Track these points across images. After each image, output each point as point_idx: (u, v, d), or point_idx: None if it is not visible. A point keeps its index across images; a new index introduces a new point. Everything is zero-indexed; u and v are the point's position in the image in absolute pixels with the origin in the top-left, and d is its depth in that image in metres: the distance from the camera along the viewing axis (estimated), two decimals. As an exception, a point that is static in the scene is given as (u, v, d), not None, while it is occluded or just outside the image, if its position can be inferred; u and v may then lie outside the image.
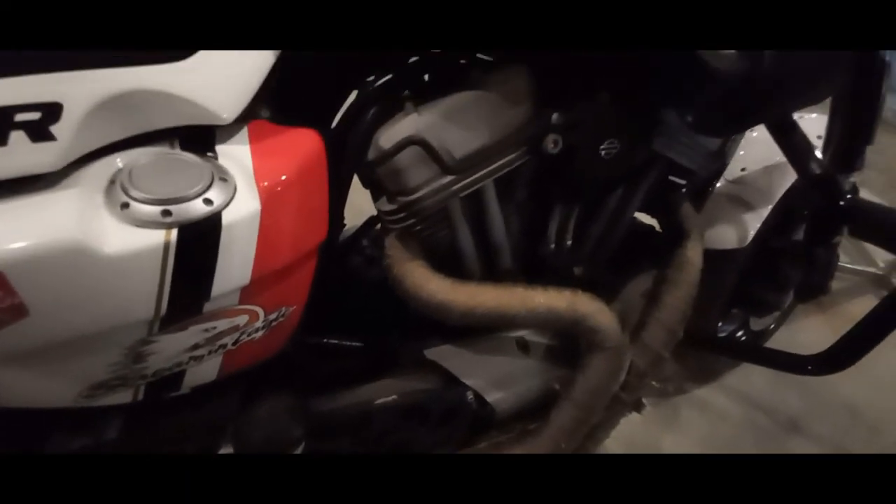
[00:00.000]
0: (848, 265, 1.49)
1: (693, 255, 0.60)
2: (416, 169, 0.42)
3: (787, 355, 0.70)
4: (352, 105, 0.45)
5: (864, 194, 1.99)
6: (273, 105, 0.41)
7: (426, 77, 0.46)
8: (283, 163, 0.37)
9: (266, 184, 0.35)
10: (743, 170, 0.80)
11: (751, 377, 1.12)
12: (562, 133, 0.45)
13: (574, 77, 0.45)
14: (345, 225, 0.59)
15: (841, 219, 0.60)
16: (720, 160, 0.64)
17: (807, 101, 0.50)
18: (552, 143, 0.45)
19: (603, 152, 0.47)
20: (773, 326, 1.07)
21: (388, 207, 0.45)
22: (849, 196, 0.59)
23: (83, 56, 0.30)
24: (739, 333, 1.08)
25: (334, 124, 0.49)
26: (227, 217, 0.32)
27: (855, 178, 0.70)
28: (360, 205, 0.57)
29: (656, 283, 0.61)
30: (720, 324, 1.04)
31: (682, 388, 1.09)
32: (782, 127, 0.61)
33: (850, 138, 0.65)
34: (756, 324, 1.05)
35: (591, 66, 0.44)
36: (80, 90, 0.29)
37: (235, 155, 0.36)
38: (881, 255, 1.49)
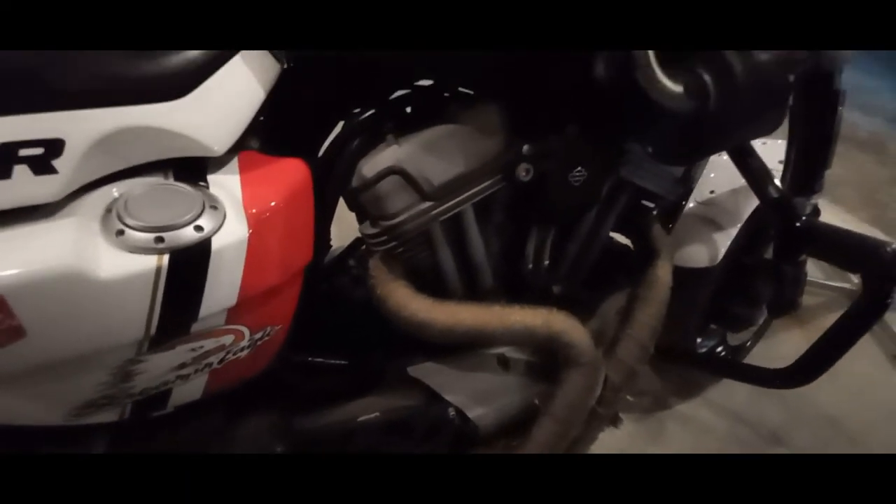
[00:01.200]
0: (822, 281, 1.54)
1: (663, 273, 0.63)
2: (397, 196, 0.45)
3: (756, 369, 0.73)
4: (338, 136, 0.48)
5: (840, 211, 2.06)
6: (263, 135, 0.44)
7: (407, 111, 0.49)
8: (271, 191, 0.39)
9: (254, 211, 0.37)
10: (712, 192, 0.84)
11: (733, 391, 1.15)
12: (533, 162, 0.48)
13: (544, 111, 0.48)
14: (331, 246, 0.62)
15: (797, 240, 0.64)
16: (686, 185, 0.68)
17: (755, 135, 0.54)
18: (524, 172, 0.48)
19: (572, 180, 0.50)
20: (749, 343, 1.11)
21: (371, 231, 0.48)
22: (804, 218, 0.63)
23: (86, 95, 0.33)
24: (719, 348, 1.11)
25: (322, 152, 0.52)
26: (216, 242, 0.34)
27: (816, 199, 0.75)
28: (351, 221, 0.60)
29: (629, 301, 0.64)
30: (700, 339, 1.07)
31: (666, 402, 1.11)
32: (741, 154, 0.65)
33: (808, 163, 0.70)
34: (733, 339, 1.08)
35: (560, 102, 0.47)
36: (82, 127, 0.32)
37: (226, 184, 0.38)
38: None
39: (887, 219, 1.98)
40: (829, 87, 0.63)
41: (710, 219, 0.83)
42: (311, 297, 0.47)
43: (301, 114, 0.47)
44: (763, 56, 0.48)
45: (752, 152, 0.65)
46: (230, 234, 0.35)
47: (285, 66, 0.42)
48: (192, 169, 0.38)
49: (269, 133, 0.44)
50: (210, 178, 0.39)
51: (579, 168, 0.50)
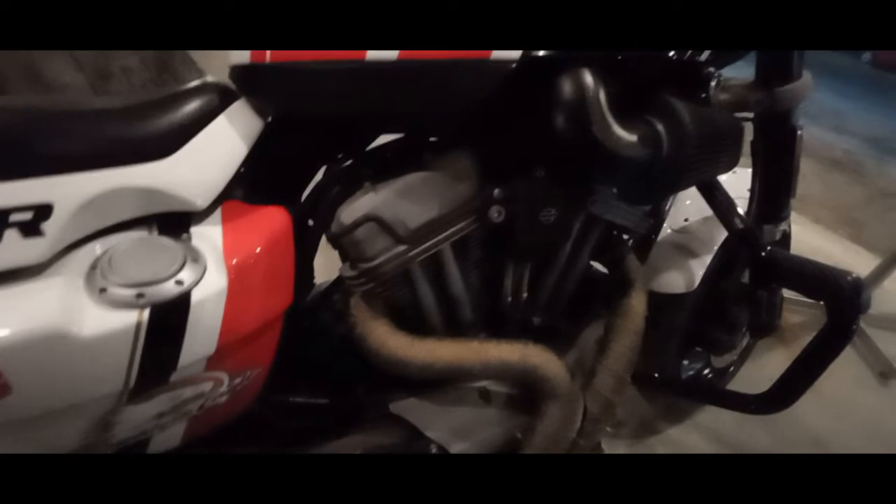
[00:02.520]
0: (805, 298, 1.58)
1: (637, 303, 0.65)
2: (374, 240, 0.47)
3: (735, 395, 0.74)
4: (319, 183, 0.51)
5: (817, 230, 2.12)
6: (246, 184, 0.47)
7: (384, 159, 0.52)
8: (252, 240, 0.41)
9: (234, 261, 0.39)
10: (686, 220, 0.88)
11: (720, 414, 1.15)
12: (504, 204, 0.50)
13: (512, 157, 0.51)
14: (314, 283, 0.64)
15: (763, 270, 0.67)
16: (656, 217, 0.71)
17: (711, 175, 0.57)
18: (496, 213, 0.51)
19: (543, 219, 0.53)
20: (733, 364, 1.12)
21: (351, 273, 0.50)
22: (769, 249, 0.65)
23: (74, 159, 0.35)
24: (705, 370, 1.12)
25: (305, 196, 0.55)
26: (195, 295, 0.36)
27: (784, 226, 0.78)
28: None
29: (605, 331, 0.65)
30: (686, 362, 1.09)
31: (653, 427, 1.11)
32: (707, 188, 0.68)
33: (773, 194, 0.73)
34: (718, 361, 1.10)
35: (527, 148, 0.50)
36: (70, 191, 0.34)
37: (208, 235, 0.40)
38: (835, 289, 1.58)
39: (865, 237, 2.04)
40: (786, 124, 0.67)
41: (685, 246, 0.86)
42: (292, 337, 0.48)
43: (284, 163, 0.50)
44: (713, 105, 0.52)
45: (717, 186, 0.69)
46: (210, 285, 0.37)
47: (269, 119, 0.45)
48: (177, 222, 0.40)
49: (252, 182, 0.46)
50: (193, 229, 0.40)
51: (549, 208, 0.53)
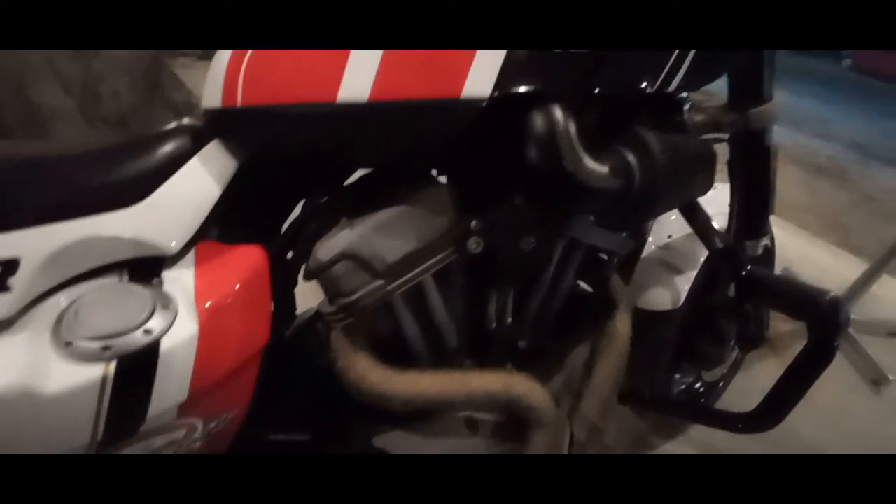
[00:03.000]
0: (794, 308, 1.59)
1: (621, 325, 0.65)
2: (352, 276, 0.47)
3: (724, 414, 0.74)
4: (296, 219, 0.51)
5: (804, 237, 2.13)
6: (221, 224, 0.46)
7: (361, 194, 0.52)
8: (225, 281, 0.41)
9: (206, 305, 0.39)
10: (669, 236, 0.88)
11: (714, 429, 1.15)
12: (482, 235, 0.50)
13: (488, 188, 0.51)
14: (296, 314, 0.63)
15: (743, 288, 0.67)
16: (638, 238, 0.72)
17: (686, 199, 0.58)
18: (475, 244, 0.51)
19: (522, 247, 0.53)
20: (724, 378, 1.12)
21: (329, 309, 0.49)
22: (749, 268, 0.66)
23: (42, 211, 0.35)
24: (696, 385, 1.12)
25: (284, 230, 0.54)
26: (165, 344, 0.35)
27: (765, 241, 0.79)
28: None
29: (591, 354, 0.65)
30: (677, 376, 1.09)
31: (646, 442, 1.10)
32: (687, 208, 0.69)
33: (751, 211, 0.74)
34: (708, 375, 1.10)
35: (502, 180, 0.51)
36: (38, 244, 0.34)
37: (180, 279, 0.40)
38: (824, 296, 1.59)
39: (852, 242, 2.06)
40: (760, 143, 0.68)
41: (670, 262, 0.86)
42: (272, 371, 0.48)
43: (260, 201, 0.50)
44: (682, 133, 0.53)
45: (697, 206, 0.70)
46: (180, 332, 0.36)
47: (243, 159, 0.45)
48: (148, 266, 0.40)
49: (228, 221, 0.46)
50: (165, 273, 0.40)
51: (528, 236, 0.53)
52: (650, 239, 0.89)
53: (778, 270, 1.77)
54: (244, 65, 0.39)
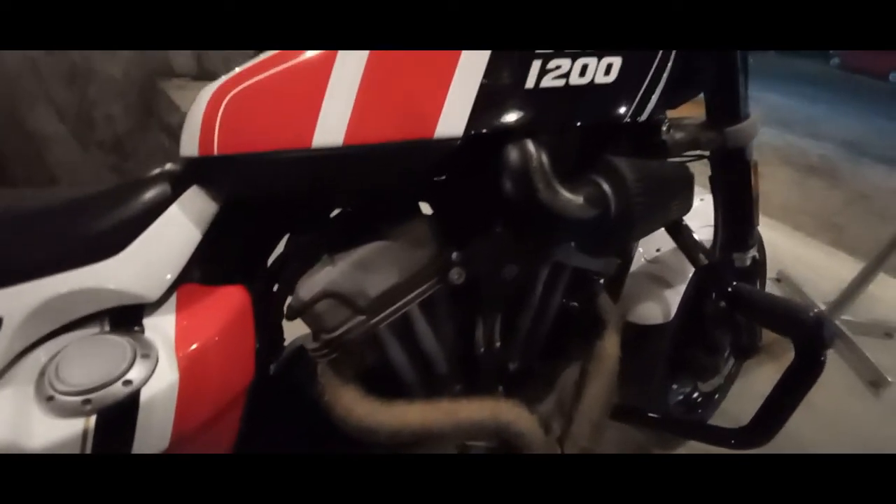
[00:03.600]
0: (790, 311, 1.59)
1: (610, 345, 0.65)
2: (335, 312, 0.47)
3: (714, 429, 0.73)
4: (279, 257, 0.51)
5: (798, 238, 2.14)
6: (204, 266, 0.47)
7: (343, 230, 0.52)
8: (207, 324, 0.41)
9: (187, 350, 0.39)
10: (658, 250, 0.89)
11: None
12: (464, 266, 0.51)
13: (467, 218, 0.52)
14: (284, 348, 0.63)
15: (727, 303, 0.67)
16: (624, 257, 0.72)
17: (665, 222, 0.58)
18: (456, 275, 0.51)
19: (504, 276, 0.54)
20: (721, 387, 1.12)
21: (314, 345, 0.49)
22: (734, 284, 0.66)
23: (23, 269, 0.35)
24: (694, 395, 1.12)
25: (268, 266, 0.55)
26: (145, 394, 0.35)
27: (752, 252, 0.80)
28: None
29: (580, 376, 0.65)
30: (675, 386, 1.08)
31: (646, 450, 1.10)
32: (672, 227, 0.70)
33: (737, 223, 0.75)
34: (705, 386, 1.10)
35: (481, 209, 0.51)
36: (20, 302, 0.34)
37: (161, 325, 0.40)
38: (820, 298, 1.59)
39: (846, 242, 2.07)
40: (740, 160, 0.69)
41: (660, 276, 0.87)
42: (259, 406, 0.48)
43: (242, 241, 0.50)
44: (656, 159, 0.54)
45: (680, 223, 0.70)
46: (160, 381, 0.36)
47: (223, 203, 0.45)
48: (129, 313, 0.40)
49: (210, 263, 0.46)
50: (146, 320, 0.40)
51: (510, 265, 0.54)
52: (640, 250, 0.89)
53: (772, 273, 1.79)
54: (220, 113, 0.40)
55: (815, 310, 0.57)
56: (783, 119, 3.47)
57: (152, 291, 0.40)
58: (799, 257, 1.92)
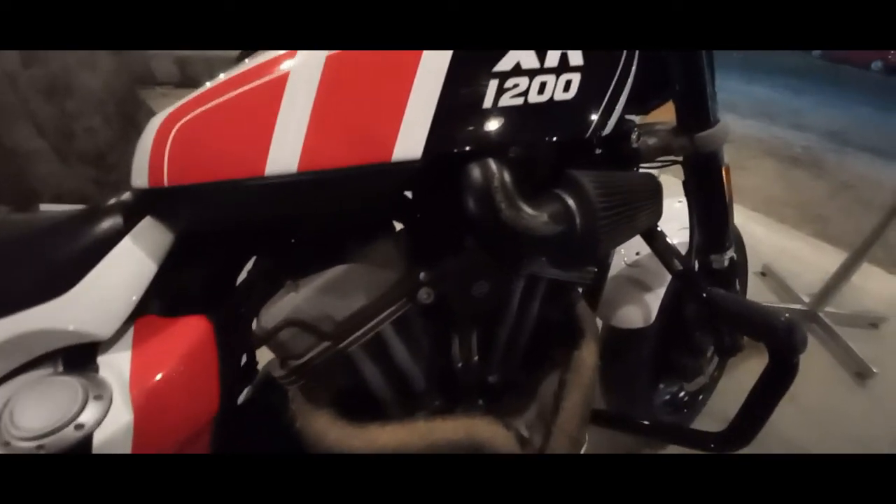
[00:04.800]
0: (776, 304, 1.60)
1: (587, 355, 0.65)
2: (300, 339, 0.47)
3: (694, 433, 0.74)
4: (243, 282, 0.50)
5: (783, 230, 2.15)
6: (163, 296, 0.46)
7: (307, 253, 0.51)
8: (164, 358, 0.40)
9: (143, 388, 0.38)
10: (637, 253, 0.89)
11: (702, 424, 1.15)
12: (432, 285, 0.50)
13: (434, 237, 0.51)
14: (257, 371, 0.62)
15: (703, 309, 0.67)
16: (600, 265, 0.72)
17: (635, 232, 0.58)
18: (425, 295, 0.50)
19: (475, 293, 0.53)
20: (704, 392, 1.13)
21: (280, 373, 0.49)
22: (708, 289, 0.66)
23: None
24: (680, 394, 1.12)
25: (233, 294, 0.54)
26: (98, 437, 0.35)
27: (729, 253, 0.80)
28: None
29: (559, 386, 0.65)
30: (661, 386, 1.09)
31: (634, 450, 1.10)
32: (647, 234, 0.70)
33: (712, 226, 0.75)
34: (691, 385, 1.10)
35: (446, 227, 0.51)
36: None
37: (115, 363, 0.39)
38: (805, 291, 1.60)
39: (830, 232, 2.09)
40: (712, 164, 0.69)
41: (640, 280, 0.87)
42: (230, 438, 0.47)
43: (202, 269, 0.49)
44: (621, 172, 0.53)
45: (655, 230, 0.70)
46: (113, 422, 0.36)
47: (178, 233, 0.44)
48: (83, 352, 0.39)
49: (169, 293, 0.45)
50: (100, 358, 0.39)
51: (480, 281, 0.53)
52: (622, 252, 0.89)
53: (758, 268, 1.80)
54: (168, 143, 0.39)
55: (786, 316, 0.57)
56: (766, 111, 3.49)
57: (105, 329, 0.39)
58: (784, 250, 1.94)
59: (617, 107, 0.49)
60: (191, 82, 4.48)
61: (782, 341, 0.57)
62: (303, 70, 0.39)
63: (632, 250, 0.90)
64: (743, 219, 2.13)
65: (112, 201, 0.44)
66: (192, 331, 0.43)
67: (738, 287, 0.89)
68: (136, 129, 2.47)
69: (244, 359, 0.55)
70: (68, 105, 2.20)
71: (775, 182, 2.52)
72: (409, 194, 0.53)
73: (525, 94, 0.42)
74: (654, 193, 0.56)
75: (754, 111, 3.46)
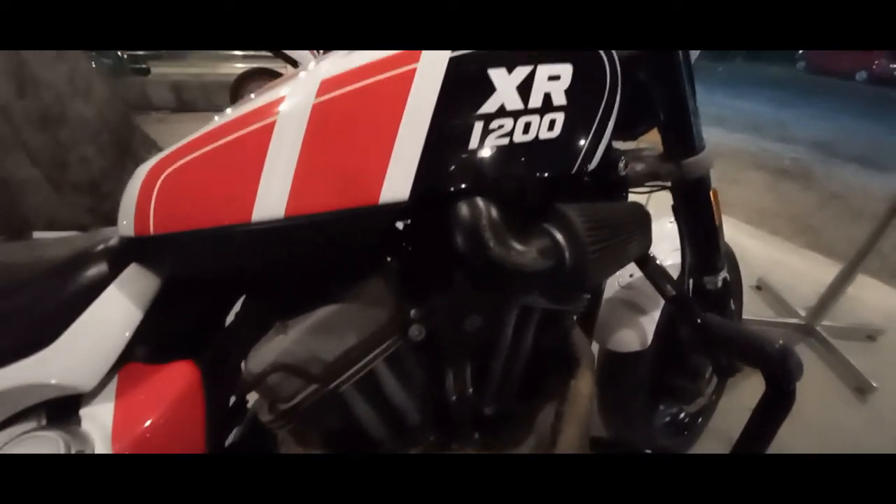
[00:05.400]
0: (773, 319, 1.60)
1: (583, 385, 0.64)
2: (288, 383, 0.46)
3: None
4: (231, 324, 0.50)
5: (776, 242, 2.16)
6: (149, 343, 0.45)
7: (296, 294, 0.51)
8: (148, 408, 0.39)
9: (125, 440, 0.37)
10: (631, 275, 0.89)
11: (701, 444, 1.13)
12: (423, 322, 0.50)
13: (424, 274, 0.51)
14: (247, 410, 0.61)
15: (697, 335, 0.67)
16: (593, 292, 0.72)
17: (624, 263, 0.58)
18: (416, 332, 0.50)
19: (467, 328, 0.52)
20: (703, 416, 1.12)
21: (269, 417, 0.47)
22: (703, 314, 0.66)
23: None
24: (681, 416, 1.11)
25: (222, 336, 0.53)
26: None
27: (722, 274, 0.80)
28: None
29: (556, 418, 0.64)
30: (661, 407, 1.07)
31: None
32: (640, 260, 0.70)
33: (703, 249, 0.75)
34: (691, 406, 1.09)
35: (438, 263, 0.50)
36: None
37: (99, 414, 0.38)
38: (801, 304, 1.60)
39: (823, 243, 2.10)
40: (700, 189, 0.69)
41: (634, 302, 0.86)
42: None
43: (189, 314, 0.48)
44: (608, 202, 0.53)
45: (647, 256, 0.70)
46: (95, 480, 0.34)
47: (164, 279, 0.44)
48: (67, 404, 0.38)
49: (156, 339, 0.45)
50: (83, 410, 0.39)
51: (472, 316, 0.53)
52: (616, 274, 0.89)
53: (753, 281, 1.80)
54: (155, 192, 0.39)
55: (780, 342, 0.57)
56: (754, 124, 3.55)
57: (89, 380, 0.38)
58: (778, 262, 1.95)
59: (602, 141, 0.50)
60: (187, 107, 4.54)
61: (777, 368, 0.56)
62: (289, 118, 0.39)
63: (626, 272, 0.89)
64: (736, 231, 2.14)
65: (99, 247, 0.44)
66: (177, 377, 0.42)
67: (733, 307, 0.89)
68: (131, 157, 2.48)
69: (232, 400, 0.54)
70: (62, 134, 2.22)
71: (766, 194, 2.55)
72: (399, 228, 0.53)
73: (510, 134, 0.43)
74: (642, 223, 0.56)
75: (742, 125, 3.53)
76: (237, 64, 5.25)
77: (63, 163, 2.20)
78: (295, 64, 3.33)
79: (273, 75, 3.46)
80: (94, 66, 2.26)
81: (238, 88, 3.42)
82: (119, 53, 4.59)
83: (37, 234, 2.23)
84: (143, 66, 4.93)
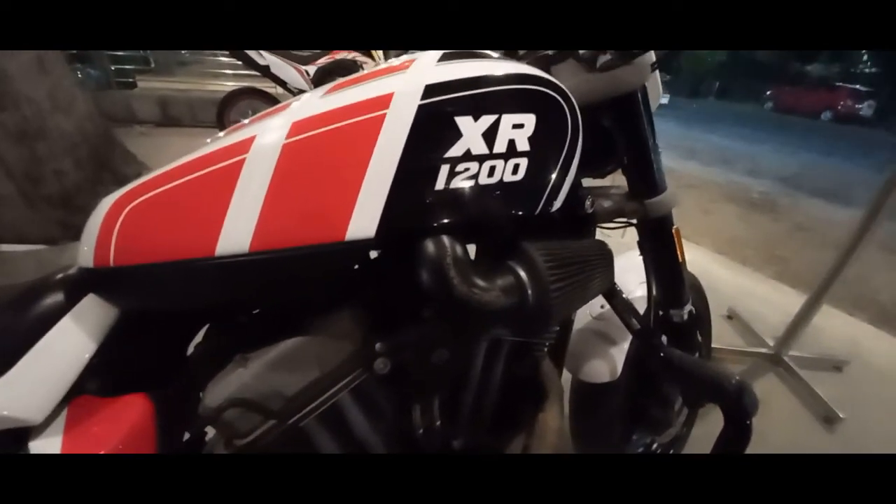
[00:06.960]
0: (742, 348, 1.64)
1: (552, 419, 0.64)
2: (246, 418, 0.45)
3: None
4: (189, 356, 0.49)
5: (745, 272, 2.22)
6: (103, 375, 0.43)
7: (258, 327, 0.51)
8: (96, 443, 0.38)
9: None
10: (602, 307, 0.90)
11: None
12: (389, 355, 0.50)
13: (390, 308, 0.51)
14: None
15: (660, 368, 0.69)
16: (562, 323, 0.73)
17: (587, 299, 0.60)
18: (382, 365, 0.50)
19: (434, 361, 0.53)
20: (676, 443, 1.12)
21: (224, 454, 0.46)
22: (665, 349, 0.68)
23: None
24: (653, 447, 1.11)
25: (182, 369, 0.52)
26: None
27: (688, 307, 0.82)
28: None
29: (524, 452, 0.64)
30: (635, 437, 1.08)
31: None
32: (608, 294, 0.72)
33: (668, 283, 0.78)
34: (663, 437, 1.09)
35: (404, 298, 0.51)
36: None
37: (45, 449, 0.37)
38: (770, 334, 1.65)
39: (791, 272, 2.19)
40: (664, 227, 0.72)
41: (605, 333, 0.88)
42: None
43: (149, 344, 0.48)
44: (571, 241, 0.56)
45: (614, 289, 0.72)
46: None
47: (122, 311, 0.43)
48: (14, 436, 0.37)
49: (109, 372, 0.43)
50: (31, 444, 0.37)
51: (439, 350, 0.53)
52: (583, 309, 0.91)
53: (723, 310, 1.85)
54: (118, 224, 0.39)
55: (736, 378, 0.59)
56: (725, 158, 3.72)
57: (37, 413, 0.37)
58: (747, 291, 2.01)
59: (565, 182, 0.52)
60: (172, 121, 4.51)
61: (733, 404, 0.58)
62: (259, 157, 0.40)
63: (597, 303, 0.91)
64: (708, 261, 2.21)
65: (58, 276, 0.43)
66: (129, 411, 0.41)
67: (699, 339, 0.92)
68: (110, 172, 2.43)
69: (188, 435, 0.53)
70: (39, 148, 2.17)
71: (736, 225, 2.65)
72: (366, 264, 0.53)
73: (476, 176, 0.45)
74: (604, 261, 0.58)
75: (714, 158, 3.69)
76: (225, 82, 5.28)
77: (37, 177, 2.14)
78: (283, 84, 3.37)
79: (261, 94, 3.49)
80: (80, 77, 2.23)
81: (225, 107, 3.43)
82: (106, 66, 4.56)
83: (4, 248, 2.15)
84: (130, 79, 4.91)
